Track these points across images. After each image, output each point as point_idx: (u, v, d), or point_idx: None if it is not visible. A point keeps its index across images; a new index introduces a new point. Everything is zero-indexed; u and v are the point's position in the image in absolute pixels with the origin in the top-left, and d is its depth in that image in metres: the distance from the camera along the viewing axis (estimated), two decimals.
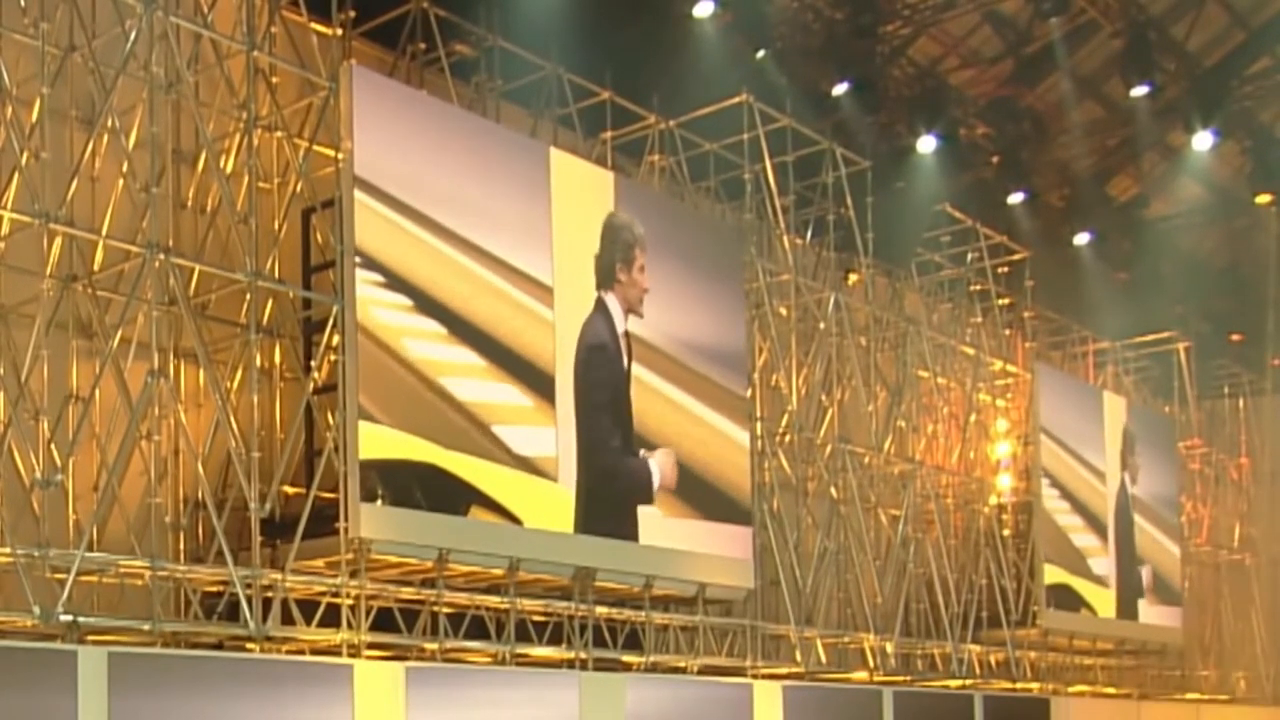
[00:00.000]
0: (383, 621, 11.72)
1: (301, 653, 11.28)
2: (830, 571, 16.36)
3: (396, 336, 11.62)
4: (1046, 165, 21.85)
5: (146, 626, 10.12)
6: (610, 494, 13.55)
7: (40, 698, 9.04)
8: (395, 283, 11.63)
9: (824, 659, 16.07)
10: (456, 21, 13.56)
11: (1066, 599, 20.36)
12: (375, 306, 11.46)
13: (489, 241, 12.45)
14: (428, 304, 11.89)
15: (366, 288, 11.40)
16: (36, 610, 9.55)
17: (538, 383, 12.84)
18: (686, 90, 15.52)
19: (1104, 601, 21.20)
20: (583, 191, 13.53)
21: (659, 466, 13.99)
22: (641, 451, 13.92)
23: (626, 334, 13.87)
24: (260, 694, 10.28)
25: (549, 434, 12.88)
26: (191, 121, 11.60)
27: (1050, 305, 22.35)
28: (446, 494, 11.89)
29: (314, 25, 12.03)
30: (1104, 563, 21.38)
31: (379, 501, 11.27)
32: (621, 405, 13.81)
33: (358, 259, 11.36)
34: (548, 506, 12.83)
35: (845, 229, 17.06)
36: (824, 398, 17.30)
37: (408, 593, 11.96)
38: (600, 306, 13.62)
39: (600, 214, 13.68)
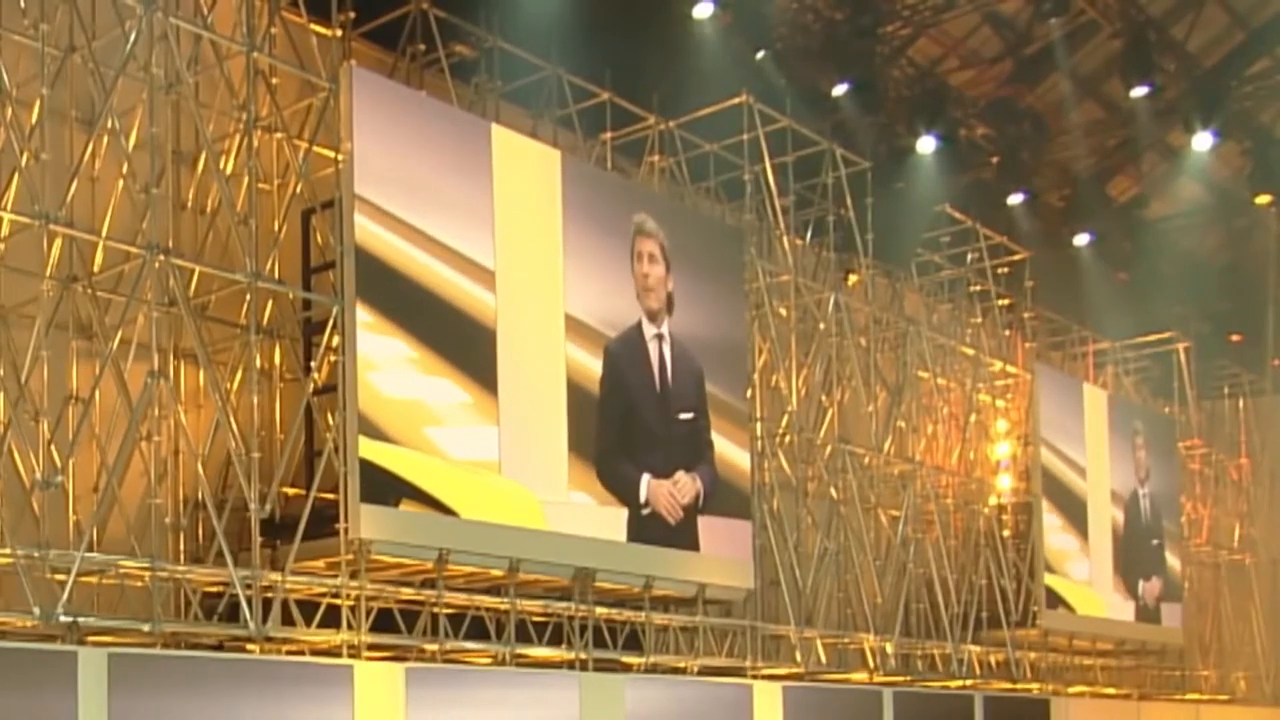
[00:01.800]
0: (383, 622, 11.73)
1: (301, 653, 11.29)
2: (830, 572, 16.36)
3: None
4: (1046, 165, 21.87)
5: (146, 627, 10.12)
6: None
7: (40, 698, 9.04)
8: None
9: (824, 659, 16.08)
10: (456, 22, 13.55)
11: (1048, 598, 20.32)
12: None
13: (435, 225, 12.09)
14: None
15: None
16: (36, 611, 9.56)
17: (479, 375, 12.36)
18: (686, 91, 15.53)
19: (1088, 601, 21.13)
20: (527, 171, 13.12)
21: (652, 490, 13.87)
22: (647, 477, 13.85)
23: (659, 336, 13.98)
24: (260, 694, 10.28)
25: (491, 434, 12.40)
26: (191, 122, 11.59)
27: (1050, 305, 22.34)
28: (373, 486, 11.37)
29: (314, 26, 12.03)
30: (1086, 562, 21.32)
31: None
32: (634, 408, 13.82)
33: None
34: (491, 497, 12.43)
35: (845, 229, 17.05)
36: (824, 398, 17.30)
37: (408, 593, 11.96)
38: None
39: (547, 193, 13.30)
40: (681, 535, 14.21)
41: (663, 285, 14.16)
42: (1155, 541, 22.91)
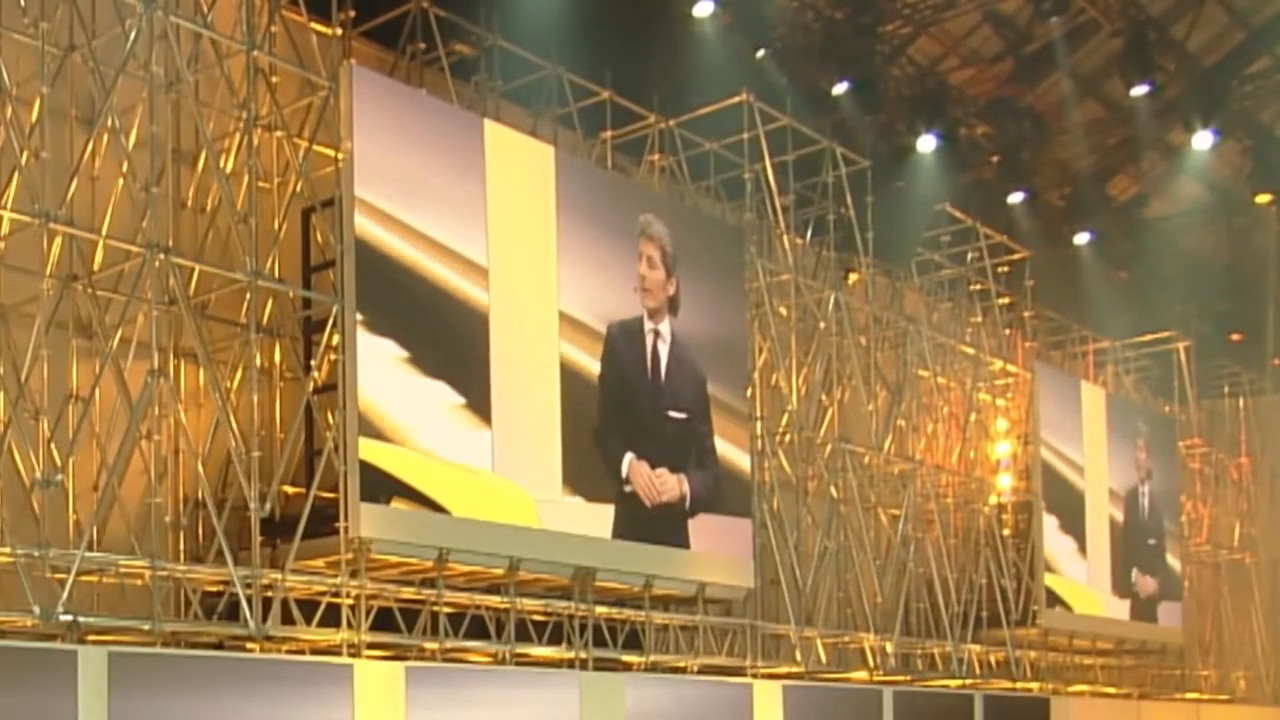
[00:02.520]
0: (383, 621, 11.72)
1: (301, 653, 11.28)
2: (830, 571, 16.36)
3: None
4: (1046, 165, 21.87)
5: (146, 626, 10.12)
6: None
7: (40, 698, 9.04)
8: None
9: (824, 659, 16.07)
10: (456, 21, 13.56)
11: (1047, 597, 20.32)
12: None
13: (434, 225, 12.09)
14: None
15: None
16: (36, 610, 9.55)
17: (474, 374, 12.35)
18: (686, 90, 15.53)
19: (1085, 600, 21.13)
20: (520, 167, 13.07)
21: (632, 469, 13.74)
22: (630, 456, 13.75)
23: (655, 333, 13.94)
24: (260, 694, 10.28)
25: (484, 432, 12.36)
26: (191, 121, 11.60)
27: (1050, 305, 22.35)
28: (365, 484, 11.29)
29: (314, 25, 12.02)
30: (1083, 561, 21.31)
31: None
32: (625, 393, 13.73)
33: None
34: (484, 496, 12.40)
35: (845, 229, 17.05)
36: (824, 397, 17.30)
37: (408, 592, 11.96)
38: None
39: (541, 190, 13.24)
40: (671, 534, 14.12)
41: (661, 289, 14.10)
42: (1152, 541, 22.85)
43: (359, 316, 11.38)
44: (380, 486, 11.49)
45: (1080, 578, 21.11)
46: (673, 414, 14.24)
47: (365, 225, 11.46)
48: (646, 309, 14.00)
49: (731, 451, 14.94)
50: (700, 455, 14.56)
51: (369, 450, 11.35)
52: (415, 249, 11.88)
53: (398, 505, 11.65)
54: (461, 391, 12.24)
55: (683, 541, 14.29)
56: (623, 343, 13.72)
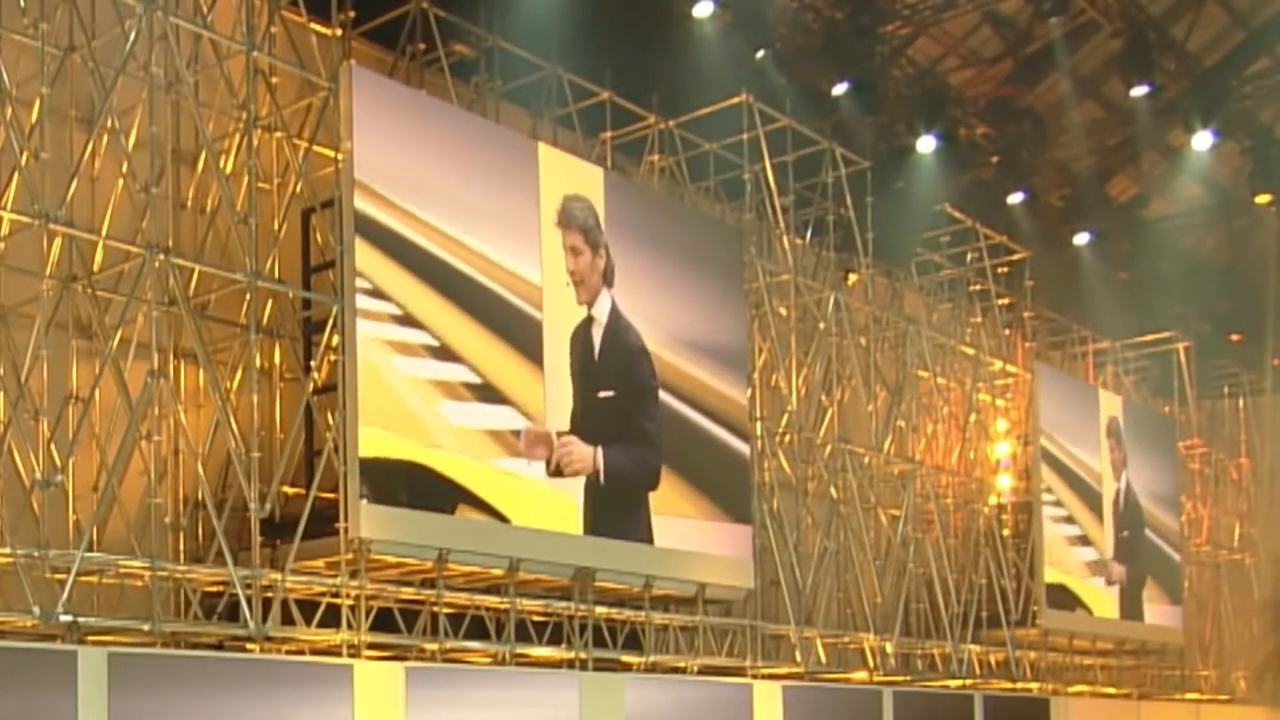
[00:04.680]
0: (383, 622, 11.73)
1: (301, 653, 11.28)
2: (830, 571, 16.37)
3: (385, 350, 11.52)
4: (1046, 165, 21.86)
5: (146, 627, 10.13)
6: None
7: (40, 698, 9.05)
8: (383, 291, 11.59)
9: (824, 659, 16.08)
10: (456, 22, 13.57)
11: (1062, 599, 20.34)
12: (363, 318, 11.37)
13: (481, 241, 12.36)
14: (417, 313, 11.80)
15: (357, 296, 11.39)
16: (36, 610, 9.55)
17: (531, 395, 12.71)
18: (686, 90, 15.53)
19: (1100, 601, 21.15)
20: (571, 188, 13.35)
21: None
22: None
23: (590, 320, 13.64)
24: (260, 694, 10.29)
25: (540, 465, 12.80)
26: (191, 121, 11.60)
27: (1050, 305, 22.37)
28: (434, 493, 11.74)
29: (314, 26, 12.03)
30: (1100, 562, 21.34)
31: (363, 500, 11.18)
32: (581, 384, 13.53)
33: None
34: (540, 505, 12.71)
35: (845, 229, 17.07)
36: (824, 398, 17.30)
37: (407, 593, 11.96)
38: None
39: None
40: (634, 529, 13.93)
41: (591, 270, 13.59)
42: (1125, 532, 22.73)
43: (429, 340, 11.68)
44: (447, 495, 11.82)
45: (1099, 583, 21.13)
46: (601, 394, 13.74)
47: (374, 215, 11.52)
48: (580, 301, 13.61)
49: (731, 450, 14.92)
50: (629, 431, 13.95)
51: (438, 459, 11.67)
52: (433, 244, 12.03)
53: (464, 513, 12.01)
54: (530, 421, 12.65)
55: (646, 536, 13.95)
56: (575, 345, 13.61)
